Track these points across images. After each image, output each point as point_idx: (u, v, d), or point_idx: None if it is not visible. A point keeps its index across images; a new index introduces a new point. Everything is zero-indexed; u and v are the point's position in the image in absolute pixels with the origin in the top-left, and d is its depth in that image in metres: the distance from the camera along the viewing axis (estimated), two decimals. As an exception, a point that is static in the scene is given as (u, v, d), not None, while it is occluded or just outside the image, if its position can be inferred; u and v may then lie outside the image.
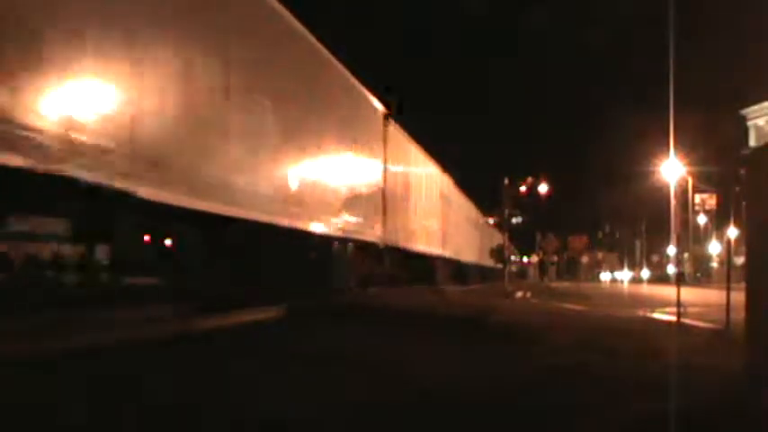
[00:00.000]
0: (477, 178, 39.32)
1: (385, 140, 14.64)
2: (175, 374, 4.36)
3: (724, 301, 7.98)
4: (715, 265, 51.37)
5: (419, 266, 19.46)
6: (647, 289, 29.83)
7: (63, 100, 5.08)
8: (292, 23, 9.22)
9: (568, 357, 5.94)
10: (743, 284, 4.83)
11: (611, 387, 4.54)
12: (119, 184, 5.72)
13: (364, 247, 13.40)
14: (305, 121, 9.89)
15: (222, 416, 3.44)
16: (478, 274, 33.80)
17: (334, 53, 10.77)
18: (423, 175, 19.43)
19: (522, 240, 61.47)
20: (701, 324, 8.84)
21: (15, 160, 4.68)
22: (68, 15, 5.08)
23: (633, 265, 70.32)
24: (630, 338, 7.72)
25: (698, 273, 50.45)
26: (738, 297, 5.39)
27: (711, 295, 14.21)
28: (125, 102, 5.74)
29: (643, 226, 68.64)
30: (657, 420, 3.60)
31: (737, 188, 35.79)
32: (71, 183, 5.23)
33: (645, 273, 61.45)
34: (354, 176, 12.44)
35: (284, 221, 8.90)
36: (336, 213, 11.25)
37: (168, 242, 8.63)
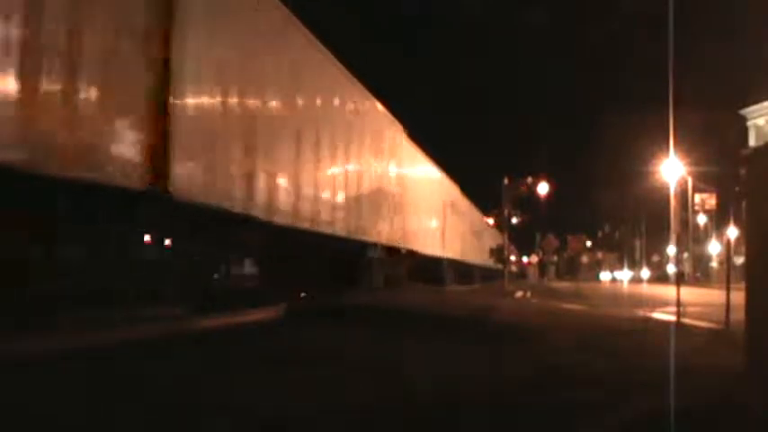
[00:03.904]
0: (477, 178, 39.35)
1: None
2: (175, 374, 4.36)
3: (724, 301, 7.98)
4: (715, 264, 51.30)
5: (428, 268, 20.49)
6: (646, 289, 29.82)
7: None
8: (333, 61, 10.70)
9: (568, 357, 5.94)
10: (743, 284, 4.84)
11: (611, 387, 4.54)
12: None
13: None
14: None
15: (222, 416, 3.44)
16: (478, 274, 33.77)
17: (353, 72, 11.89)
18: (473, 219, 28.64)
19: (522, 240, 61.47)
20: (700, 324, 8.84)
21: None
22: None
23: (633, 265, 70.23)
24: (630, 338, 7.72)
25: (698, 272, 50.41)
26: (738, 297, 5.39)
27: (711, 295, 14.22)
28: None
29: (643, 226, 68.55)
30: (658, 420, 3.60)
31: (737, 188, 35.75)
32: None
33: (645, 272, 61.38)
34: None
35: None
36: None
37: (169, 242, 8.63)
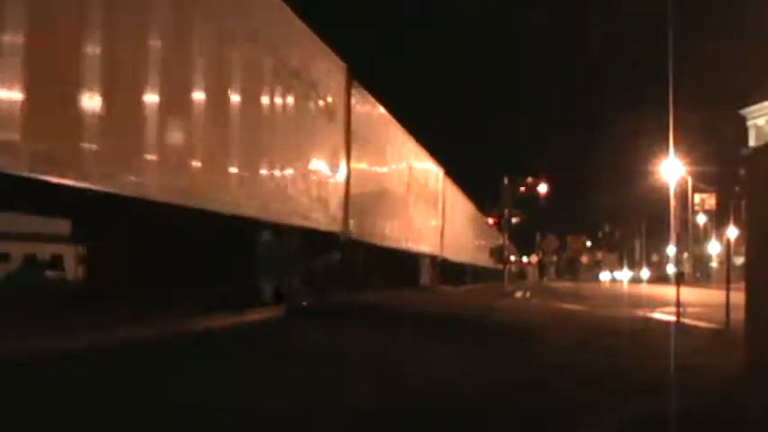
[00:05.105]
0: (477, 178, 39.32)
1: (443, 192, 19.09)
2: (175, 374, 4.36)
3: (724, 301, 7.98)
4: (715, 265, 51.31)
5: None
6: (646, 289, 29.84)
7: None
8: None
9: (568, 357, 5.94)
10: (743, 284, 4.84)
11: (611, 387, 4.54)
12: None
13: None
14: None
15: (222, 416, 3.44)
16: (478, 274, 33.74)
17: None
18: (461, 208, 24.19)
19: (522, 240, 61.47)
20: (700, 324, 8.84)
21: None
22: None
23: (633, 265, 70.23)
24: (630, 338, 7.72)
25: (698, 273, 50.41)
26: (738, 297, 5.39)
27: (711, 295, 14.22)
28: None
29: (643, 226, 68.55)
30: (658, 420, 3.60)
31: (737, 188, 35.80)
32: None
33: (644, 273, 61.39)
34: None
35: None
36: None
37: (167, 242, 8.64)
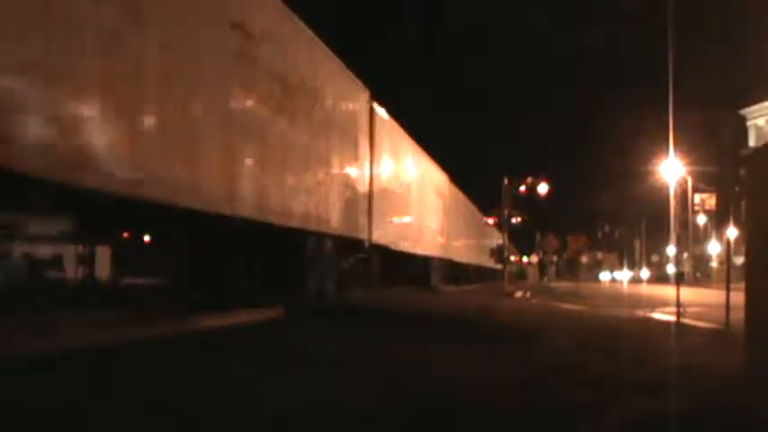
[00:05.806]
0: (477, 178, 39.28)
1: (372, 132, 12.88)
2: (175, 374, 4.36)
3: (724, 301, 7.98)
4: (715, 265, 51.35)
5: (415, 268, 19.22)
6: (646, 289, 29.85)
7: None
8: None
9: (568, 357, 5.93)
10: (743, 284, 4.84)
11: (611, 387, 4.54)
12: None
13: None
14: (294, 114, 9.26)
15: (222, 416, 3.44)
16: (478, 274, 33.72)
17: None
18: (421, 173, 18.14)
19: (522, 240, 61.54)
20: (700, 324, 8.84)
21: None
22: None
23: (633, 265, 70.32)
24: (630, 338, 7.71)
25: (697, 273, 50.43)
26: (738, 297, 5.39)
27: (711, 295, 14.22)
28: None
29: (643, 226, 68.66)
30: (658, 420, 3.60)
31: (737, 188, 35.82)
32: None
33: (644, 273, 61.44)
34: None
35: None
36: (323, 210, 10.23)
37: (168, 242, 8.65)
